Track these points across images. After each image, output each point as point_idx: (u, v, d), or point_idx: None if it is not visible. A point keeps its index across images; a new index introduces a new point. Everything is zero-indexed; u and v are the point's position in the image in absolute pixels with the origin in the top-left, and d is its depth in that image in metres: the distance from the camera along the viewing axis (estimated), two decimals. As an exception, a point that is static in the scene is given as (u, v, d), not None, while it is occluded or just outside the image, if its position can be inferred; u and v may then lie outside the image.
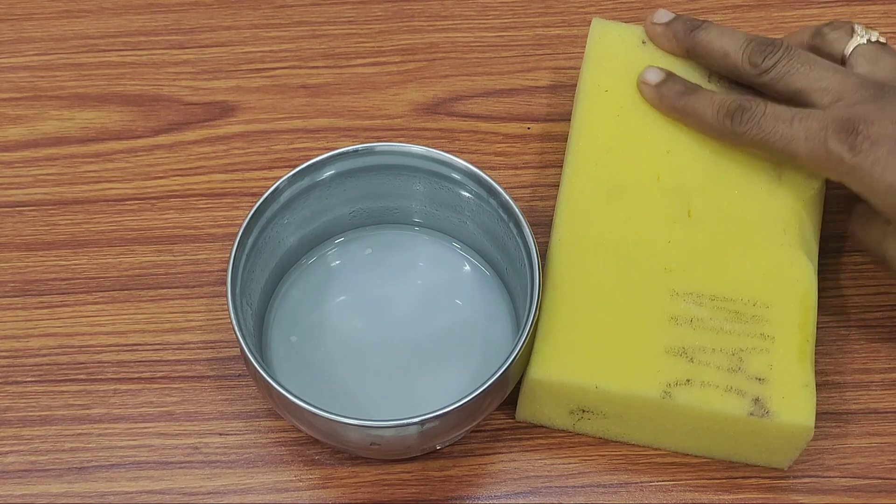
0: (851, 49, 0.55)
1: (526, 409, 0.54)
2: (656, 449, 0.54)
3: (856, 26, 0.56)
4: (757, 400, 0.50)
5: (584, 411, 0.53)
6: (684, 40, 0.57)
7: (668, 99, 0.56)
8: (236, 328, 0.50)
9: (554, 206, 0.56)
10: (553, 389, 0.52)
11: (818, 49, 0.56)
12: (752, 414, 0.50)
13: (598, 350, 0.52)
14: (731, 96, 0.55)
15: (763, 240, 0.54)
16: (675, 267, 0.53)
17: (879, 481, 0.54)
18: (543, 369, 0.51)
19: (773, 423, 0.50)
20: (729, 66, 0.56)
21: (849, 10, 0.67)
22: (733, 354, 0.51)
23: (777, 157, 0.55)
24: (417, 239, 0.58)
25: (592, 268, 0.53)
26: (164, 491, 0.54)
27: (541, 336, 0.52)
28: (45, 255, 0.60)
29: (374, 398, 0.54)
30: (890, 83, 0.53)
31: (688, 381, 0.51)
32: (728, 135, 0.55)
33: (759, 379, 0.51)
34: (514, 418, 0.55)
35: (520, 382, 0.52)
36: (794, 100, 0.54)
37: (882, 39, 0.55)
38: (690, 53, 0.58)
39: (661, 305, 0.52)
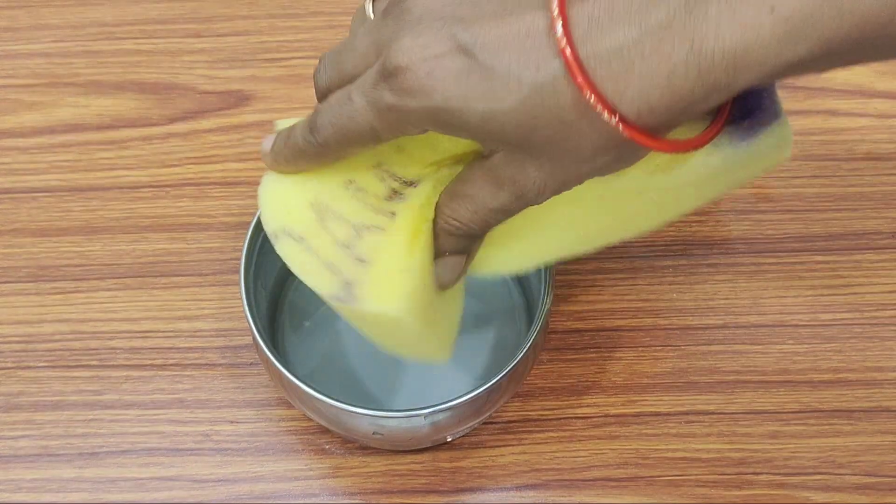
0: None
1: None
2: (665, 444, 0.54)
3: None
4: (348, 284, 0.45)
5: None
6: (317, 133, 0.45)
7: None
8: (247, 312, 0.50)
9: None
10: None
11: None
12: (339, 299, 0.45)
13: None
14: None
15: None
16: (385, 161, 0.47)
17: (891, 479, 0.54)
18: None
19: (361, 302, 0.45)
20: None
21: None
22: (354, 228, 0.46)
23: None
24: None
25: None
26: (174, 477, 0.54)
27: None
28: (59, 241, 0.60)
29: (384, 389, 0.54)
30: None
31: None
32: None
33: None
34: (525, 411, 0.55)
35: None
36: None
37: None
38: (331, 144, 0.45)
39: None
